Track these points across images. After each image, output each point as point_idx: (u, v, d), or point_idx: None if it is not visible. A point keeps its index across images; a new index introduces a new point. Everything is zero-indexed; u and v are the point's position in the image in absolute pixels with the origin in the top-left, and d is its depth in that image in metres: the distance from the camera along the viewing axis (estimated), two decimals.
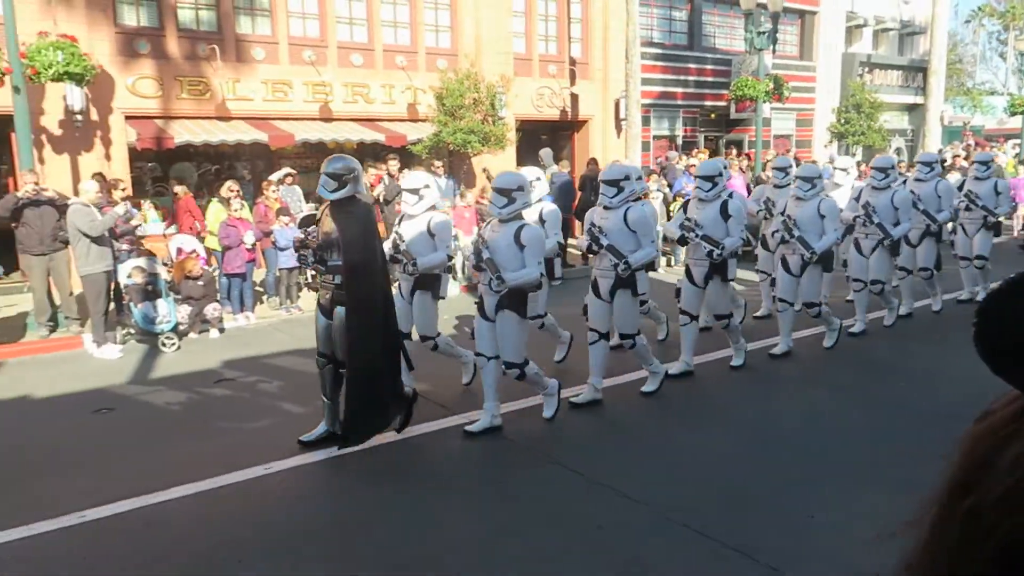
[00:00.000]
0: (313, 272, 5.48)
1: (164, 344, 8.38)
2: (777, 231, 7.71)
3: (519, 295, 5.44)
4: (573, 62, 16.97)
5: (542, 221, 6.70)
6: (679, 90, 19.15)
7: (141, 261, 8.85)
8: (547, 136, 17.73)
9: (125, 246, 9.03)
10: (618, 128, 17.19)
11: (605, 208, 6.11)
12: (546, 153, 14.93)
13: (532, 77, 16.31)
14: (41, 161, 10.96)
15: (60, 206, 8.58)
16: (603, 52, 17.25)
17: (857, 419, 5.81)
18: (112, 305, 8.70)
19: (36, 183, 8.60)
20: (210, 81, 12.62)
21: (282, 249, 9.73)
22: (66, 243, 8.56)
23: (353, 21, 14.18)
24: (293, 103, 13.42)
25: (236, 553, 4.05)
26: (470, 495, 4.75)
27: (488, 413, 5.58)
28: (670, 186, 13.67)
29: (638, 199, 6.62)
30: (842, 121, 21.19)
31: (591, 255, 6.32)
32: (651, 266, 6.34)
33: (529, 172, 6.97)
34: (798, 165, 9.61)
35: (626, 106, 15.57)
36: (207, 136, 12.12)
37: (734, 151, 18.77)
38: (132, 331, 8.71)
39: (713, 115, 20.08)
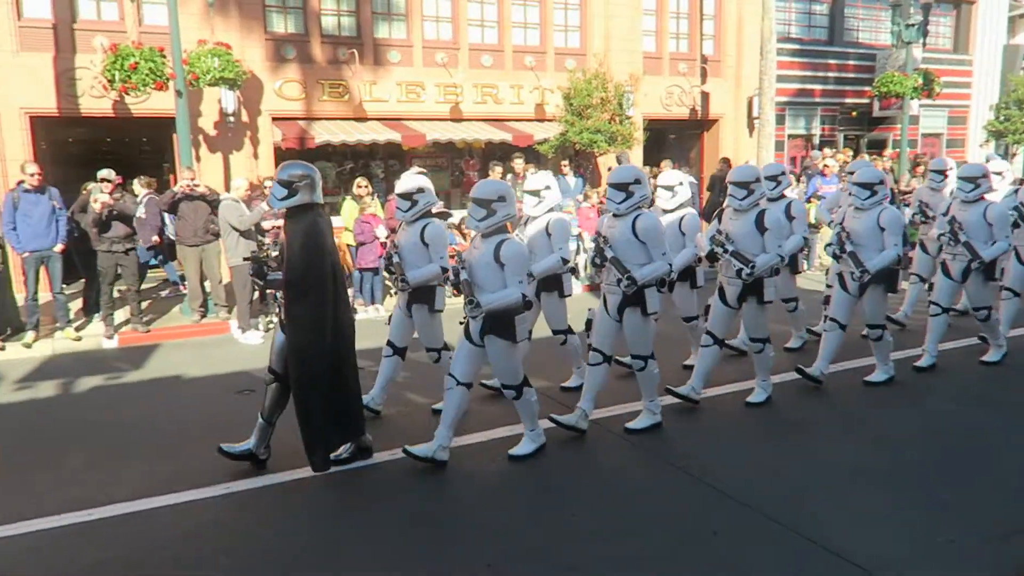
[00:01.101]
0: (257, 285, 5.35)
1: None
2: (943, 234, 7.10)
3: (503, 318, 4.87)
4: (705, 59, 16.59)
5: (548, 233, 6.15)
6: (817, 87, 18.32)
7: None
8: (675, 136, 17.42)
9: (269, 239, 9.61)
10: (750, 127, 16.66)
11: (614, 216, 5.48)
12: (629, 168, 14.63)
13: (662, 75, 16.07)
14: (198, 159, 11.86)
15: (212, 201, 9.24)
16: (737, 49, 16.75)
17: (1000, 434, 5.39)
18: (256, 294, 9.30)
19: (192, 179, 9.31)
20: (349, 84, 13.23)
21: None
22: (217, 235, 9.23)
23: (484, 23, 14.46)
24: (425, 104, 13.85)
25: (369, 529, 4.25)
26: (582, 491, 4.76)
27: (437, 442, 5.04)
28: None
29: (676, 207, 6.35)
30: (1001, 119, 19.58)
31: (599, 268, 5.62)
32: (664, 283, 5.47)
33: (541, 179, 6.43)
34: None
35: (759, 104, 15.05)
36: (345, 136, 12.72)
37: (856, 149, 17.74)
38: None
39: (854, 113, 19.06)
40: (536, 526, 4.32)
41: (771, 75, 14.76)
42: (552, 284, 6.30)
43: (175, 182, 11.48)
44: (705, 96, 16.58)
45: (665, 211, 6.66)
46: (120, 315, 9.30)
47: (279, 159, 12.99)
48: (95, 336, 8.87)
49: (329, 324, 4.86)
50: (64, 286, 9.03)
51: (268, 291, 9.04)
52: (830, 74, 18.42)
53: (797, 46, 17.83)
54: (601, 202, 11.99)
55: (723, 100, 16.79)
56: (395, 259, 5.71)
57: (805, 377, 6.57)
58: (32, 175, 8.60)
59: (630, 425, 5.64)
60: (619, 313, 5.46)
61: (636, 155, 14.67)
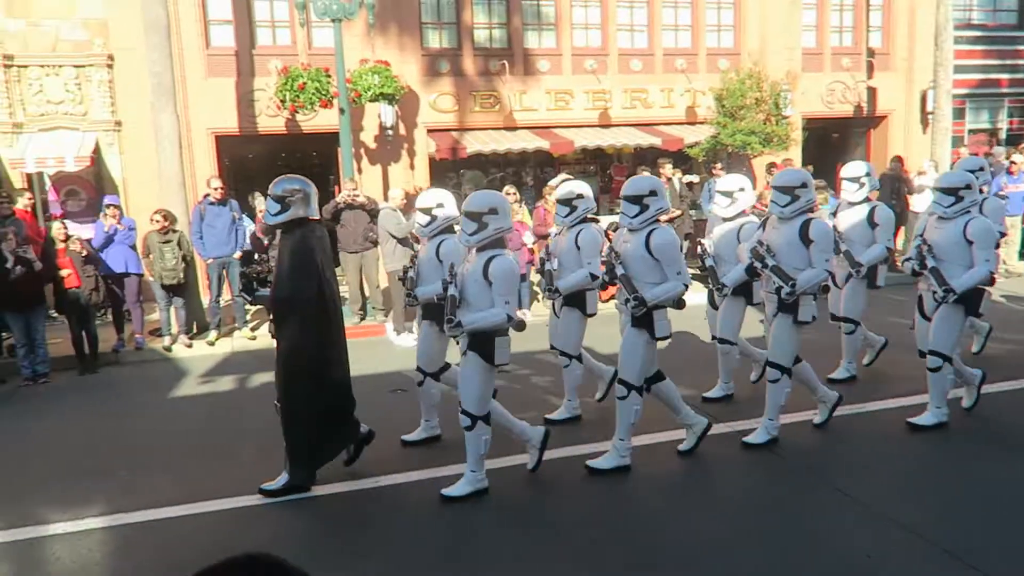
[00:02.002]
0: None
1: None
2: None
3: (485, 339, 4.62)
4: (871, 53, 15.57)
5: (577, 247, 5.79)
6: (1004, 76, 16.69)
7: None
8: (838, 134, 16.47)
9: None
10: (924, 122, 15.44)
11: (629, 231, 5.08)
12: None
13: (823, 72, 15.25)
14: (359, 171, 12.58)
15: (371, 210, 9.78)
16: (908, 40, 15.60)
17: None
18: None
19: (353, 190, 9.89)
20: (500, 94, 13.56)
21: None
22: (375, 243, 9.75)
23: (634, 28, 14.35)
24: (574, 111, 13.94)
25: (521, 526, 4.34)
26: (728, 502, 4.61)
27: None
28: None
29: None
30: None
31: (612, 286, 5.24)
32: (680, 303, 4.97)
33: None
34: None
35: (934, 97, 13.93)
36: (495, 145, 13.05)
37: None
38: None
39: None
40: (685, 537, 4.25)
41: (947, 66, 13.63)
42: (575, 301, 5.98)
43: (338, 193, 12.23)
44: (872, 91, 15.56)
45: (724, 219, 6.30)
46: None
47: (433, 169, 13.53)
48: (267, 335, 9.62)
49: (314, 341, 4.83)
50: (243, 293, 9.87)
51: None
52: (1020, 61, 16.73)
53: (980, 33, 16.34)
54: (755, 207, 11.55)
55: (892, 95, 15.68)
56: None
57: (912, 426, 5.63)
58: (216, 189, 9.49)
59: (591, 463, 5.10)
60: (621, 332, 5.14)
61: (795, 155, 14.01)
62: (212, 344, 9.39)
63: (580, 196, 5.80)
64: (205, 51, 12.28)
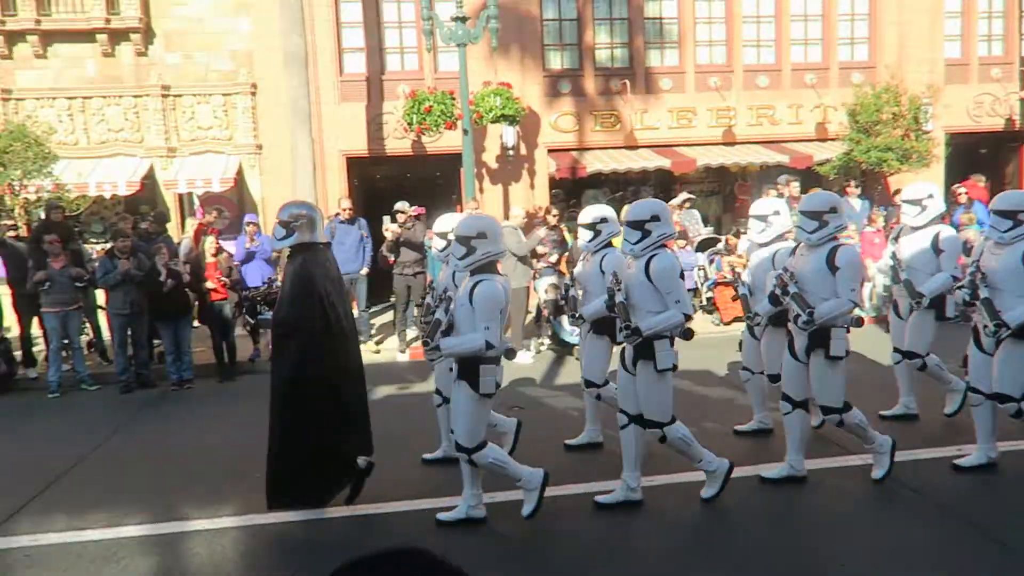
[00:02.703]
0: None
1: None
2: None
3: (469, 365, 4.51)
4: None
5: (602, 272, 5.52)
6: None
7: (555, 278, 9.81)
8: (986, 150, 15.34)
9: (543, 264, 10.03)
10: None
11: (633, 257, 4.86)
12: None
13: (968, 84, 14.29)
14: (481, 191, 12.84)
15: None
16: None
17: None
18: (530, 316, 9.82)
19: (475, 209, 10.10)
20: (620, 113, 13.51)
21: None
22: None
23: (760, 43, 13.98)
24: (696, 129, 13.70)
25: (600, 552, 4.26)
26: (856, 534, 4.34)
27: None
28: None
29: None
30: None
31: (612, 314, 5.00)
32: (690, 334, 4.72)
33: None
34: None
35: None
36: (616, 164, 13.00)
37: None
38: (546, 341, 9.71)
39: None
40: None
41: None
42: (603, 328, 5.69)
43: (460, 212, 12.52)
44: None
45: (760, 245, 5.93)
46: (412, 332, 10.32)
47: (553, 189, 13.63)
48: (391, 350, 9.94)
49: (315, 366, 4.79)
50: (368, 304, 10.28)
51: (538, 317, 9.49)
52: None
53: None
54: (890, 224, 10.94)
55: None
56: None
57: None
58: (345, 209, 9.94)
59: (599, 499, 4.88)
60: (633, 366, 4.78)
61: (936, 173, 13.16)
62: None
63: (604, 220, 5.65)
64: (338, 78, 12.93)
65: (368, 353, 9.81)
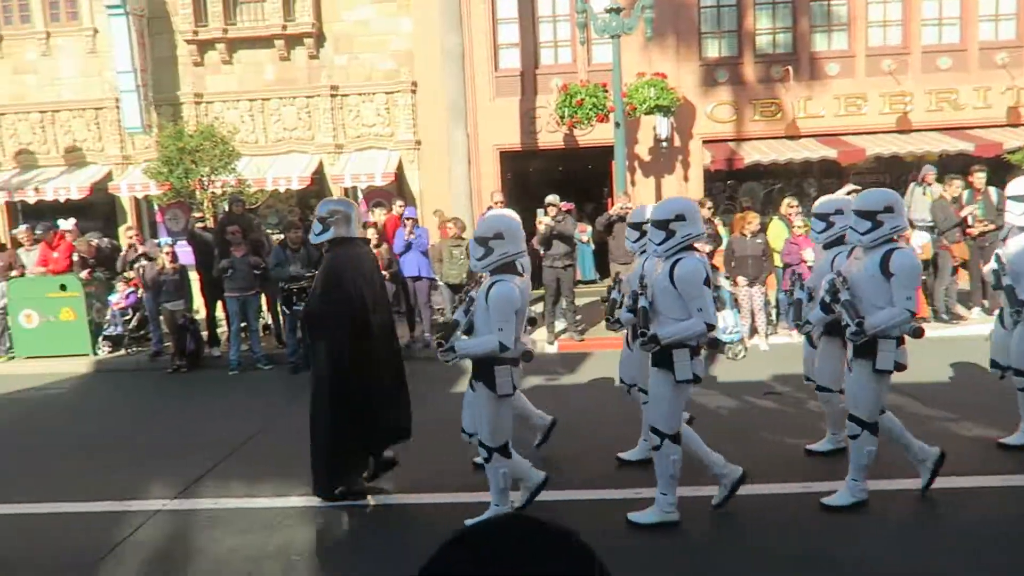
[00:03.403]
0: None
1: (730, 354, 8.87)
2: None
3: (484, 366, 4.43)
4: None
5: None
6: None
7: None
8: None
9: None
10: None
11: (657, 258, 4.60)
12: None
13: None
14: (632, 183, 12.70)
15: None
16: None
17: None
18: None
19: (626, 203, 10.00)
20: (782, 101, 12.90)
21: None
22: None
23: (942, 22, 12.87)
24: (867, 116, 12.84)
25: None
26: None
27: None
28: None
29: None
30: None
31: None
32: (716, 344, 4.42)
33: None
34: None
35: None
36: (775, 155, 12.43)
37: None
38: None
39: None
40: None
41: None
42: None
43: (611, 206, 12.45)
44: None
45: (823, 247, 5.43)
46: (561, 324, 10.39)
47: (707, 181, 13.24)
48: (539, 341, 10.05)
49: (344, 358, 4.89)
50: None
51: None
52: None
53: None
54: None
55: None
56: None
57: None
58: (498, 202, 10.13)
59: (632, 516, 4.58)
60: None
61: None
62: None
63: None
64: (494, 74, 13.20)
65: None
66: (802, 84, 12.88)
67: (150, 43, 13.30)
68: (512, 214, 5.19)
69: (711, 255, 9.34)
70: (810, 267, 9.51)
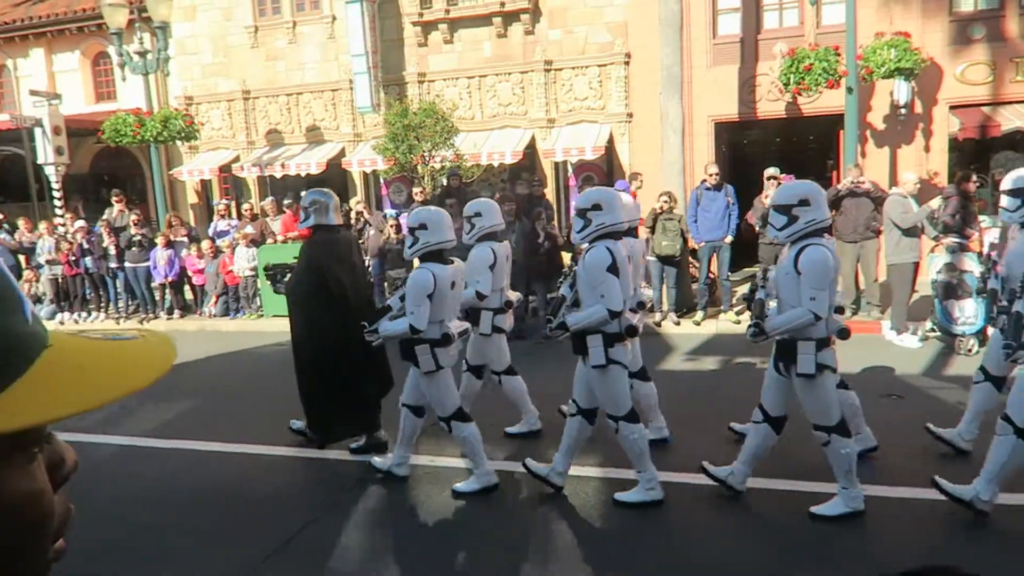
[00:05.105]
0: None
1: (960, 347, 7.96)
2: None
3: (406, 346, 4.84)
4: None
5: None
6: None
7: (949, 258, 8.55)
8: None
9: (951, 240, 8.61)
10: None
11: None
12: None
13: None
14: (863, 155, 11.66)
15: (875, 198, 8.98)
16: None
17: None
18: (916, 296, 8.72)
19: (857, 176, 9.20)
20: None
21: None
22: (877, 233, 8.94)
23: None
24: None
25: None
26: None
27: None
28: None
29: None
30: None
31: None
32: (631, 331, 4.50)
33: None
34: None
35: None
36: None
37: None
38: (931, 326, 8.56)
39: None
40: None
41: None
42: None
43: (837, 179, 11.53)
44: None
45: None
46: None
47: (952, 151, 11.87)
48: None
49: (318, 331, 5.60)
50: (730, 274, 10.03)
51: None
52: None
53: None
54: None
55: None
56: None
57: None
58: (712, 175, 9.75)
59: (618, 495, 4.69)
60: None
61: None
62: (698, 324, 9.74)
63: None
64: (711, 41, 12.65)
65: (728, 323, 9.62)
66: None
67: (380, 27, 14.19)
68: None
69: (967, 237, 8.34)
70: None
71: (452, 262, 4.98)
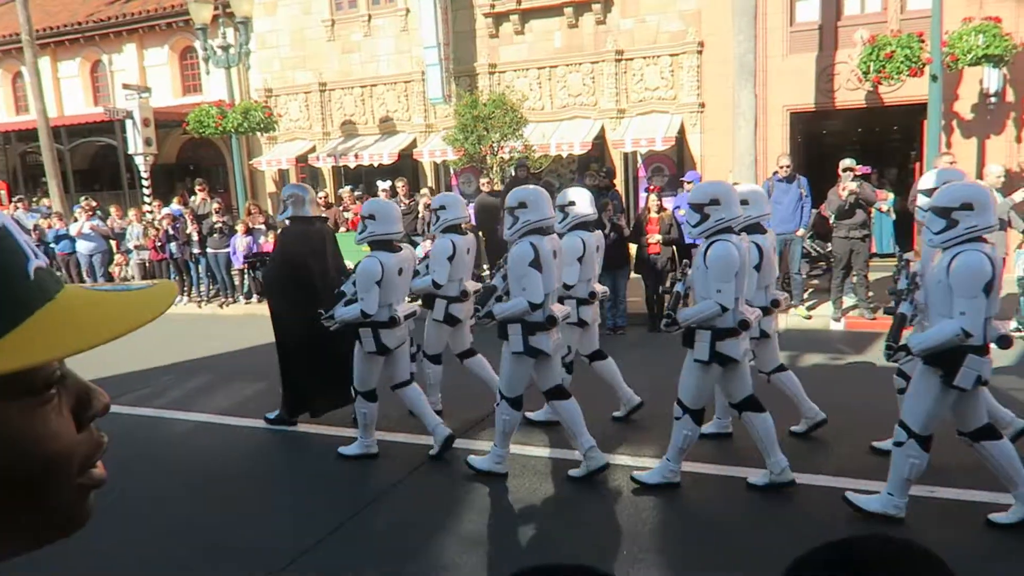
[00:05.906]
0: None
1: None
2: None
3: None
4: None
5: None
6: None
7: None
8: None
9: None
10: None
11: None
12: None
13: None
14: (948, 145, 11.18)
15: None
16: None
17: None
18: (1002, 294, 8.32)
19: (950, 163, 8.82)
20: None
21: None
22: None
23: None
24: None
25: None
26: None
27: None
28: None
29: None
30: None
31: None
32: (550, 321, 4.76)
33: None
34: None
35: None
36: None
37: None
38: (1020, 325, 8.17)
39: None
40: None
41: None
42: None
43: (919, 171, 11.08)
44: None
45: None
46: (849, 299, 9.56)
47: None
48: (823, 316, 9.36)
49: (288, 315, 6.02)
50: (803, 264, 9.80)
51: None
52: None
53: None
54: None
55: None
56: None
57: None
58: (784, 166, 9.52)
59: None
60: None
61: None
62: None
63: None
64: (788, 29, 12.32)
65: (798, 319, 9.40)
66: None
67: (452, 19, 14.34)
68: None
69: None
70: None
71: (400, 249, 5.40)
